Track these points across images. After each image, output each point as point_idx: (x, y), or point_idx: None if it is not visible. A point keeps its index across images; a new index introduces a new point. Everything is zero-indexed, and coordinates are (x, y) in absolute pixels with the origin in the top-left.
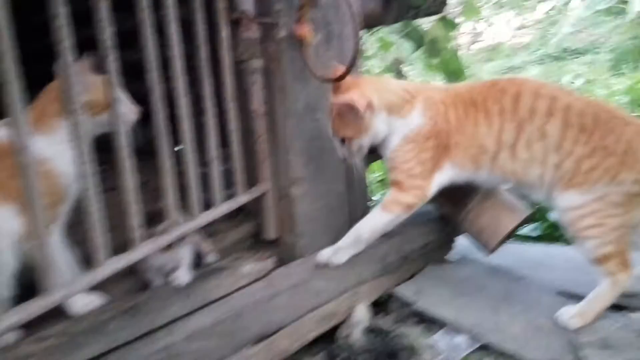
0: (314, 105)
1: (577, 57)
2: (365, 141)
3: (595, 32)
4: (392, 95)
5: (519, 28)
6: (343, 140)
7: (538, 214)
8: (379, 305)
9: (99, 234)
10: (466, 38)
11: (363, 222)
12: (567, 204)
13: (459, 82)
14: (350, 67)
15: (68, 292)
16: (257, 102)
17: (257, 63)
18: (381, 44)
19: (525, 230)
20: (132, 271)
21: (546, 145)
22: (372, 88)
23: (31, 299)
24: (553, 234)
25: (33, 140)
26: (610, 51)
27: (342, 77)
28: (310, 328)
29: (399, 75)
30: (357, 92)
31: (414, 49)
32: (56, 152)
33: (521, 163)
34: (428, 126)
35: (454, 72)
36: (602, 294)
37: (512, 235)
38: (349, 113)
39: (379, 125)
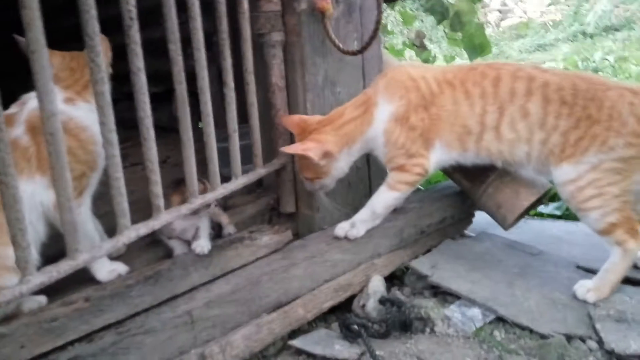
0: (334, 79)
1: (611, 34)
2: (328, 181)
3: (631, 7)
4: (350, 125)
5: (550, 4)
6: (307, 179)
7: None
8: (395, 279)
9: (123, 199)
10: (495, 15)
11: (374, 197)
12: (563, 178)
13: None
14: (372, 40)
15: (94, 255)
16: (277, 75)
17: (277, 36)
18: (403, 18)
19: (547, 209)
20: (154, 242)
21: (530, 124)
22: (331, 130)
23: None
24: (572, 213)
25: (76, 107)
26: None
27: (362, 50)
28: (326, 298)
29: (422, 48)
30: (314, 141)
31: (437, 22)
32: (96, 119)
33: (507, 143)
34: (402, 106)
35: (479, 45)
36: (614, 264)
37: (530, 210)
38: (307, 160)
39: (340, 164)
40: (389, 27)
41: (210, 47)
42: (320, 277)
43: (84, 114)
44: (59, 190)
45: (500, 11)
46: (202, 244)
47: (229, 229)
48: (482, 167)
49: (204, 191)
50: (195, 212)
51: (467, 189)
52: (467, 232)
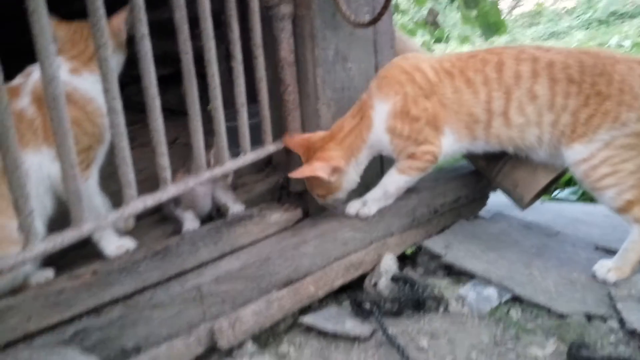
0: (345, 54)
1: (625, 21)
2: (340, 194)
3: None
4: (351, 136)
5: None
6: (318, 195)
7: None
8: (407, 259)
9: (129, 169)
10: (507, 2)
11: (386, 178)
12: (575, 158)
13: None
14: (383, 11)
15: (99, 224)
16: (286, 49)
17: (286, 9)
18: None
19: (563, 194)
20: (163, 219)
21: (539, 106)
22: (335, 145)
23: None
24: (593, 197)
25: (82, 77)
26: None
27: (374, 22)
28: (337, 275)
29: (435, 26)
30: (321, 160)
31: (451, 0)
32: (99, 90)
33: (517, 128)
34: (399, 100)
35: (494, 24)
36: (634, 242)
37: (548, 189)
38: (318, 179)
39: (349, 176)
40: (402, 6)
41: (219, 26)
42: (331, 255)
43: (90, 85)
44: (63, 157)
45: None
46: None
47: (236, 207)
48: None
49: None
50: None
51: (482, 167)
52: (481, 213)
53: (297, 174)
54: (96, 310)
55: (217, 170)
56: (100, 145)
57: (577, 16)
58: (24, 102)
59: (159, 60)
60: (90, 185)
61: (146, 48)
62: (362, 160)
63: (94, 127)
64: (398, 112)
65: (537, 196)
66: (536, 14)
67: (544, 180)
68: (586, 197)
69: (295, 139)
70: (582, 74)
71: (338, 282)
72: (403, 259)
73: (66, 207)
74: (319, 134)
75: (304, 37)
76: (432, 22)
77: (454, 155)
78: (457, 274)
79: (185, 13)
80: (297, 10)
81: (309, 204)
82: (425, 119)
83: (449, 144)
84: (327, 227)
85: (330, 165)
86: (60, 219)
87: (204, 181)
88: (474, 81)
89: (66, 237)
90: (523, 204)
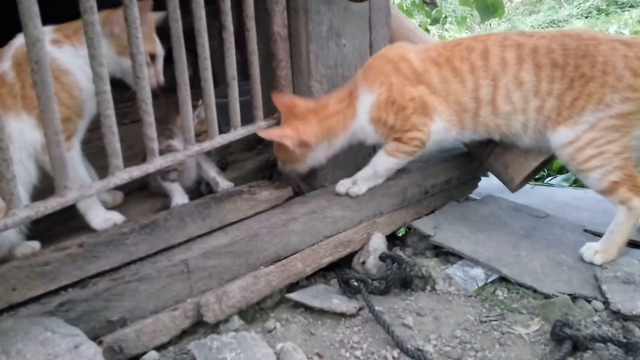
0: (339, 30)
1: (625, 10)
2: (300, 167)
3: None
4: (333, 120)
5: None
6: (283, 163)
7: None
8: (397, 239)
9: (114, 138)
10: None
11: (376, 158)
12: (561, 141)
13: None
14: None
15: (84, 193)
16: (279, 23)
17: None
18: None
19: (556, 180)
20: (152, 194)
21: (525, 93)
22: (314, 121)
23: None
24: (584, 185)
25: (61, 50)
26: None
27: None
28: (325, 253)
29: (432, 5)
30: (293, 129)
31: None
32: (80, 66)
33: (504, 116)
34: (384, 92)
35: (491, 5)
36: (620, 224)
37: (539, 171)
38: (283, 145)
39: (317, 154)
40: None
41: (212, 1)
42: (320, 233)
43: (67, 58)
44: (46, 122)
45: None
46: (226, 183)
47: (225, 183)
48: None
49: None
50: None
51: (474, 149)
52: (472, 196)
53: (266, 134)
54: (82, 283)
55: (206, 144)
56: (79, 119)
57: (578, 5)
58: (5, 66)
59: None
60: (72, 157)
61: (134, 15)
62: (336, 145)
63: (70, 100)
64: (382, 103)
65: (528, 178)
66: (537, 2)
67: (534, 162)
68: (579, 184)
69: (283, 98)
70: (565, 57)
71: (326, 260)
72: (392, 239)
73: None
74: (307, 103)
75: (298, 10)
76: (429, 2)
77: (441, 143)
78: (446, 255)
79: None
80: None
81: (299, 182)
82: (413, 107)
83: (438, 132)
84: (317, 206)
85: (300, 137)
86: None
87: (192, 153)
88: (460, 70)
89: (49, 205)
90: (513, 186)
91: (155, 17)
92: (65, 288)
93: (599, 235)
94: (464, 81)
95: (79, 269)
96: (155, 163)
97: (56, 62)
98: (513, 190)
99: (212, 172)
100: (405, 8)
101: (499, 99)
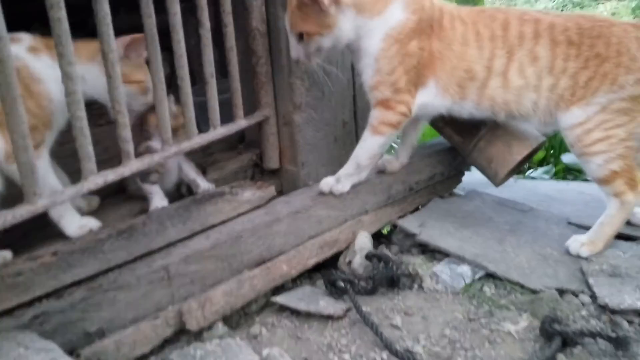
0: None
1: (601, 3)
2: (326, 41)
3: None
4: None
5: None
6: (301, 37)
7: (552, 158)
8: (382, 237)
9: (87, 141)
10: None
11: (358, 148)
12: (571, 122)
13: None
14: None
15: (55, 200)
16: (258, 19)
17: None
18: None
19: (537, 173)
20: (129, 198)
21: (539, 69)
22: None
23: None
24: (566, 177)
25: (37, 58)
26: None
27: None
28: (311, 254)
29: None
30: None
31: None
32: (55, 77)
33: (514, 91)
34: (411, 22)
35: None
36: (611, 217)
37: (523, 164)
38: (312, 4)
39: (344, 24)
40: None
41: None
42: (304, 234)
43: (42, 68)
44: (12, 125)
45: None
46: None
47: (206, 184)
48: (474, 121)
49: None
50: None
51: (457, 143)
52: (456, 191)
53: None
54: (57, 293)
55: (185, 145)
56: (46, 130)
57: None
58: None
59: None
60: (41, 166)
61: (104, 11)
62: (356, 25)
63: (39, 109)
64: (404, 31)
65: (512, 172)
66: None
67: (518, 156)
68: (559, 176)
69: None
70: (580, 36)
71: (312, 261)
72: (378, 237)
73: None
74: None
75: (277, 5)
76: None
77: (427, 113)
78: (432, 252)
79: None
80: None
81: (282, 181)
82: (417, 60)
83: (429, 98)
84: (301, 205)
85: None
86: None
87: (170, 155)
88: (482, 35)
89: (18, 214)
90: (497, 180)
91: None
92: (39, 299)
93: (583, 227)
94: (481, 47)
95: (53, 278)
96: (131, 166)
97: (28, 70)
98: (497, 184)
99: (192, 173)
100: None
101: (511, 71)
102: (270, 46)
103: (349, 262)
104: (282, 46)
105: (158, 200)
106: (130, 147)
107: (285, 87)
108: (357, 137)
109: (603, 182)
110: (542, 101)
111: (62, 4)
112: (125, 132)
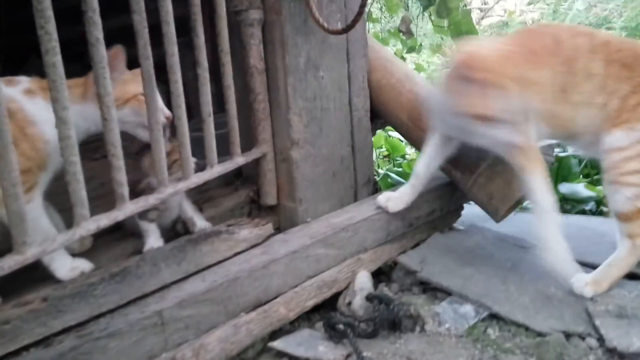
0: (317, 62)
1: None
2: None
3: (608, 6)
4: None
5: (530, 3)
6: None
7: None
8: (383, 275)
9: (80, 186)
10: (476, 13)
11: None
12: (613, 145)
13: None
14: (357, 19)
15: (46, 249)
16: (255, 57)
17: (255, 14)
18: (388, 5)
19: None
20: (123, 237)
21: (593, 85)
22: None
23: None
24: (564, 207)
25: (32, 101)
26: (621, 27)
27: (347, 29)
28: (309, 295)
29: (408, 34)
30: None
31: (424, 9)
32: (49, 119)
33: (572, 107)
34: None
35: (466, 33)
36: (620, 259)
37: (522, 201)
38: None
39: None
40: (374, 15)
41: (187, 32)
42: (303, 274)
43: (36, 110)
44: (2, 173)
45: (481, 9)
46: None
47: (203, 223)
48: (473, 156)
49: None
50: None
51: (457, 179)
52: (456, 225)
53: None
54: (46, 341)
55: (182, 185)
56: (41, 172)
57: None
58: None
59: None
60: (33, 209)
61: (100, 54)
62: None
63: (33, 151)
64: None
65: (512, 208)
66: (504, 25)
67: (518, 192)
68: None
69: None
70: (634, 60)
71: (310, 303)
72: (378, 275)
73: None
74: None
75: (274, 43)
76: (405, 31)
77: None
78: (433, 290)
79: (144, 17)
80: (267, 15)
81: (280, 218)
82: None
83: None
84: (299, 244)
85: None
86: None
87: (164, 197)
88: (540, 54)
89: (6, 265)
90: (498, 217)
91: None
92: (27, 348)
93: (585, 265)
94: (544, 68)
95: (42, 325)
96: (125, 210)
97: (23, 112)
98: (498, 220)
99: (190, 211)
100: (381, 37)
101: (570, 88)
102: (268, 83)
103: (349, 303)
104: (280, 83)
105: (153, 240)
106: (125, 190)
107: (283, 123)
108: (355, 172)
109: (624, 218)
110: (596, 119)
111: (57, 49)
112: (120, 175)
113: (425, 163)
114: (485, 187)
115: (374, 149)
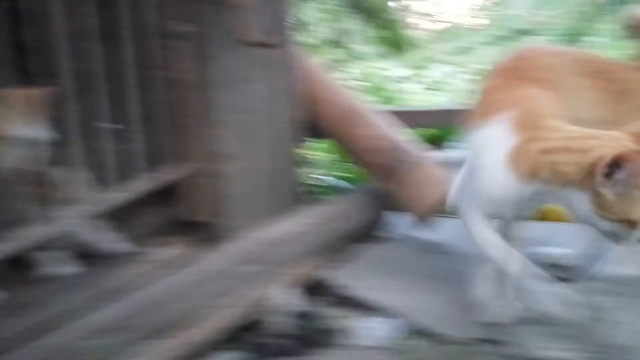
0: (247, 75)
1: (528, 37)
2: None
3: (550, 13)
4: None
5: (477, 9)
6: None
7: None
8: (308, 290)
9: None
10: (421, 19)
11: None
12: None
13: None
14: (285, 33)
15: None
16: (184, 70)
17: (182, 27)
18: (322, 15)
19: None
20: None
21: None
22: None
23: None
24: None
25: None
26: (560, 33)
27: (276, 44)
28: (233, 316)
29: (342, 47)
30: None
31: (358, 19)
32: None
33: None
34: None
35: (397, 43)
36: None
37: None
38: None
39: None
40: (307, 24)
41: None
42: (225, 294)
43: None
44: None
45: (426, 15)
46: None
47: (116, 246)
48: (393, 161)
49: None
50: None
51: (380, 187)
52: (383, 235)
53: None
54: None
55: (102, 205)
56: None
57: (486, 33)
58: None
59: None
60: None
61: None
62: None
63: None
64: None
65: (434, 213)
66: (450, 31)
67: (435, 196)
68: None
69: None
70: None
71: (234, 323)
72: (305, 290)
73: None
74: None
75: (204, 57)
76: (337, 41)
77: None
78: (358, 304)
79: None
80: (195, 28)
81: (208, 235)
82: None
83: None
84: (222, 262)
85: None
86: None
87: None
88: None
89: None
90: (421, 223)
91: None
92: None
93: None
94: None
95: None
96: (27, 236)
97: None
98: (421, 227)
99: (100, 234)
100: (313, 46)
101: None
102: (197, 97)
103: (273, 321)
104: (210, 97)
105: (61, 265)
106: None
107: (213, 138)
108: (288, 186)
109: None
110: None
111: None
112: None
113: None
114: (405, 193)
115: (328, 154)
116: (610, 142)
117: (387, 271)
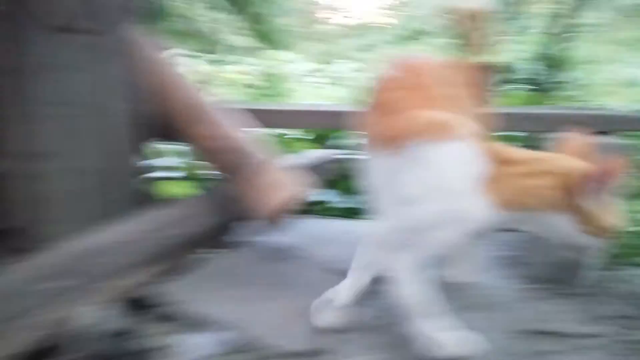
0: (69, 63)
1: (427, 39)
2: None
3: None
4: None
5: (384, 7)
6: None
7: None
8: (129, 306)
9: None
10: (327, 13)
11: None
12: None
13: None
14: (115, 17)
15: None
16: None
17: None
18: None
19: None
20: None
21: None
22: None
23: None
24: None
25: None
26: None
27: (107, 28)
28: (29, 339)
29: (200, 36)
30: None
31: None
32: None
33: None
34: None
35: (269, 37)
36: None
37: (295, 207)
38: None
39: None
40: (171, 13)
41: None
42: (23, 313)
43: None
44: None
45: (332, 9)
46: None
47: None
48: (236, 162)
49: None
50: None
51: (228, 190)
52: (226, 241)
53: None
54: None
55: None
56: None
57: (391, 31)
58: None
59: None
60: None
61: None
62: None
63: None
64: None
65: (282, 214)
66: (355, 27)
67: (285, 196)
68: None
69: None
70: None
71: (29, 347)
72: (123, 307)
73: None
74: None
75: (15, 41)
76: (197, 31)
77: None
78: (186, 319)
79: None
80: (10, 8)
81: (21, 243)
82: None
83: None
84: (22, 276)
85: None
86: None
87: None
88: None
89: None
90: (265, 225)
91: None
92: None
93: (342, 274)
94: None
95: None
96: None
97: None
98: (266, 230)
99: None
100: (170, 35)
101: None
102: (12, 86)
103: (82, 341)
104: (24, 85)
105: None
106: None
107: (27, 133)
108: (119, 187)
109: None
110: None
111: None
112: None
113: None
114: (249, 194)
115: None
116: (558, 161)
117: (226, 281)
